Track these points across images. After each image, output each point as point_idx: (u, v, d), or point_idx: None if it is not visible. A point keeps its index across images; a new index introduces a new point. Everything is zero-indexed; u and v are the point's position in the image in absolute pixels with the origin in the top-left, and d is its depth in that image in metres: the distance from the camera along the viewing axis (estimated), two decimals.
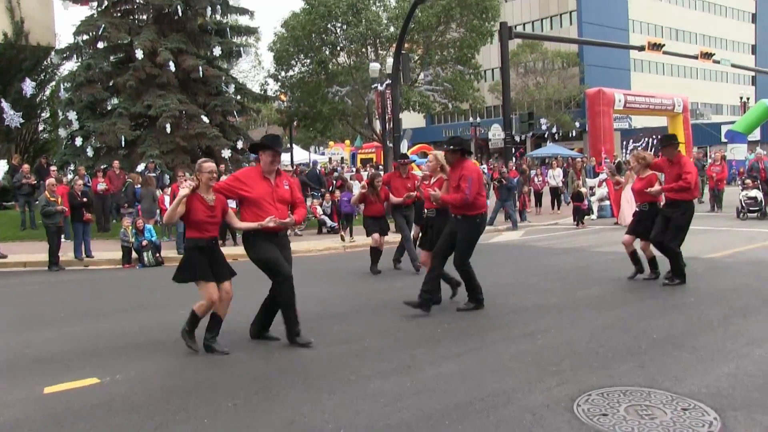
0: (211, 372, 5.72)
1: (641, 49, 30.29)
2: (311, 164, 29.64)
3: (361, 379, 5.39)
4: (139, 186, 17.53)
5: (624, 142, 44.37)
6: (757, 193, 17.91)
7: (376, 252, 11.47)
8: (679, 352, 5.83)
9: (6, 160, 21.54)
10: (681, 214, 9.03)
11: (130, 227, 14.19)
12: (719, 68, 54.02)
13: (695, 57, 32.49)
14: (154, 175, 18.56)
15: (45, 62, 28.91)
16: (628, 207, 17.57)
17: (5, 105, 22.71)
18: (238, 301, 9.19)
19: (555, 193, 22.97)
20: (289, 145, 39.37)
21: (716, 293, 8.46)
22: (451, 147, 7.82)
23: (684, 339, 6.27)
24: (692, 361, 5.59)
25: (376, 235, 11.34)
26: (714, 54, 33.24)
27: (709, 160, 22.73)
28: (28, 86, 24.50)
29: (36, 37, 27.19)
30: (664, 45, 30.22)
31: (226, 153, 22.01)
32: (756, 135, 35.58)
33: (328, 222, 18.76)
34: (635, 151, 10.54)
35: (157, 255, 14.20)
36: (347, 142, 45.90)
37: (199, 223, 6.29)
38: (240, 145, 23.90)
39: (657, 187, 9.28)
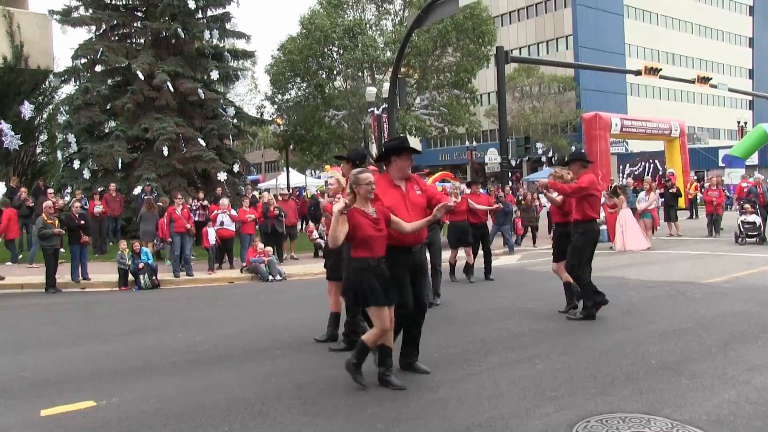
0: (207, 396, 5.69)
1: (638, 73, 30.56)
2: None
3: (358, 404, 5.36)
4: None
5: (620, 167, 44.50)
6: (755, 218, 17.91)
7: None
8: (678, 378, 5.80)
9: (4, 183, 21.51)
10: (580, 235, 8.77)
11: (127, 250, 14.18)
12: (716, 92, 54.36)
13: (692, 81, 32.71)
14: (152, 197, 18.56)
15: (43, 85, 28.98)
16: (621, 231, 17.65)
17: (5, 127, 22.75)
18: (229, 323, 9.19)
19: (550, 217, 22.98)
20: (285, 169, 39.50)
21: (715, 319, 8.43)
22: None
23: (683, 365, 6.25)
24: (692, 388, 5.55)
25: None
26: (711, 78, 33.48)
27: (706, 185, 22.83)
28: (27, 109, 24.55)
29: (35, 61, 27.30)
30: (660, 69, 30.49)
31: (222, 176, 22.04)
32: (754, 159, 35.72)
33: (324, 245, 18.71)
34: (554, 170, 10.05)
35: (154, 278, 14.18)
36: (343, 165, 45.95)
37: (368, 239, 5.61)
38: (236, 168, 23.94)
39: (556, 196, 9.19)
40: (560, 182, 9.09)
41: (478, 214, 12.86)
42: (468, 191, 13.98)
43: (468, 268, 12.77)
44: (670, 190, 22.31)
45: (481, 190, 14.41)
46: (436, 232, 10.02)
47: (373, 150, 33.43)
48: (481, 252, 13.13)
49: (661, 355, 6.57)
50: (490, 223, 17.30)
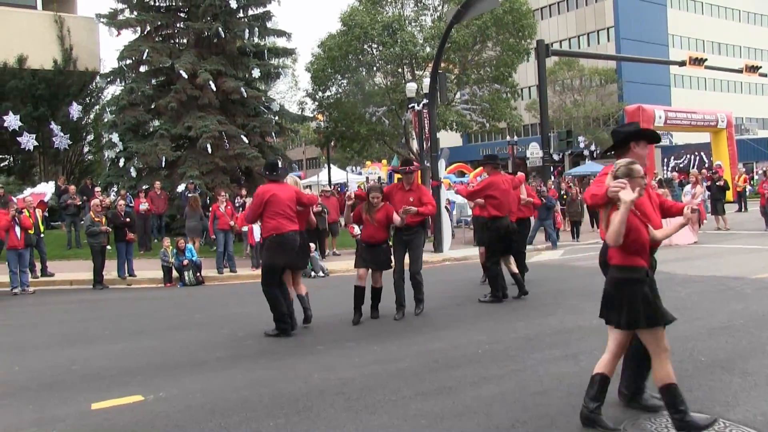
0: (251, 392, 5.75)
1: (682, 64, 29.96)
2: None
3: (401, 400, 5.37)
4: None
5: (665, 159, 43.72)
6: None
7: (359, 292, 8.84)
8: (729, 377, 5.65)
9: (54, 182, 22.06)
10: (489, 231, 9.99)
11: (171, 247, 14.41)
12: (766, 81, 52.97)
13: (740, 71, 31.87)
14: (196, 194, 18.84)
15: (90, 87, 29.67)
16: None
17: (55, 128, 23.33)
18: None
19: (592, 212, 22.70)
20: (326, 165, 39.70)
21: (767, 315, 8.22)
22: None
23: (734, 363, 6.08)
24: (744, 386, 5.40)
25: (361, 271, 8.81)
26: (760, 67, 32.55)
27: (757, 177, 22.17)
28: (75, 110, 25.15)
29: (83, 63, 27.98)
30: (706, 59, 29.82)
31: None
32: None
33: None
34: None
35: (198, 274, 14.39)
36: (384, 161, 46.01)
37: (643, 245, 4.58)
38: (279, 165, 24.09)
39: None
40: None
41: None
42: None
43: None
44: (717, 183, 21.80)
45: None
46: (418, 235, 9.29)
47: (414, 146, 33.39)
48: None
49: (711, 352, 6.42)
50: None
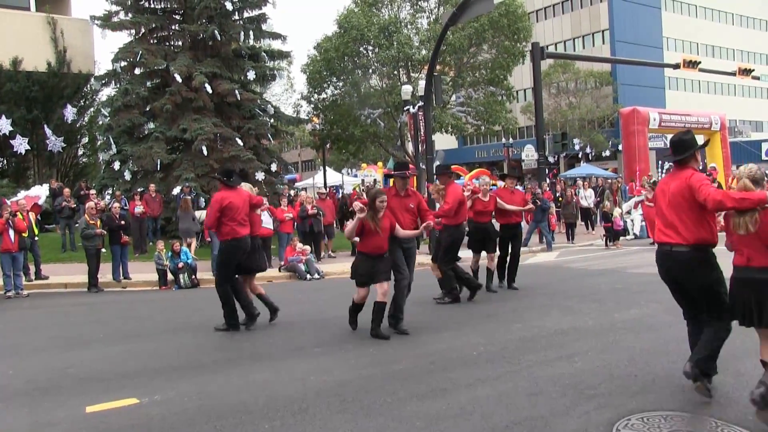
0: (247, 394, 5.76)
1: (676, 67, 30.01)
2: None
3: (397, 402, 5.38)
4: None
5: (659, 162, 43.71)
6: None
7: (357, 309, 8.38)
8: (723, 377, 5.65)
9: (48, 185, 22.01)
10: (447, 236, 10.28)
11: (165, 250, 14.39)
12: (759, 84, 53.09)
13: (733, 73, 31.95)
14: (190, 197, 18.82)
15: (85, 89, 29.62)
16: None
17: (48, 131, 23.30)
18: (268, 322, 9.25)
19: (587, 214, 22.76)
20: (321, 167, 39.69)
21: None
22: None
23: (727, 363, 6.07)
24: (737, 386, 5.44)
25: (363, 291, 8.12)
26: (753, 70, 32.60)
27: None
28: (69, 112, 25.11)
29: (77, 65, 27.93)
30: (700, 62, 29.89)
31: (260, 176, 22.23)
32: None
33: None
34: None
35: (193, 277, 14.37)
36: (380, 164, 46.01)
37: None
38: (274, 167, 24.10)
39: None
40: (437, 197, 10.64)
41: (510, 214, 11.43)
42: (500, 185, 12.94)
43: (489, 275, 11.33)
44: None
45: (518, 187, 12.56)
46: (415, 245, 9.47)
47: (409, 148, 33.43)
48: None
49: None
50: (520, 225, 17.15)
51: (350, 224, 8.15)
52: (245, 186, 9.32)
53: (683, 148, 5.45)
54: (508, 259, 11.53)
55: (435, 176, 11.40)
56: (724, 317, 5.11)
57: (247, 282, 9.09)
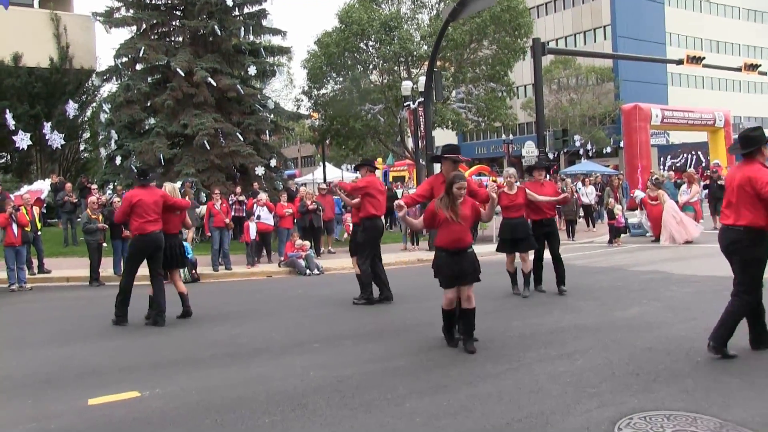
0: (247, 389, 5.75)
1: (680, 62, 29.83)
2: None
3: (397, 398, 5.37)
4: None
5: (661, 158, 43.78)
6: None
7: (450, 316, 7.12)
8: (728, 377, 5.63)
9: (49, 180, 22.04)
10: (362, 232, 10.31)
11: None
12: (764, 80, 52.91)
13: (738, 69, 31.69)
14: (192, 191, 18.82)
15: (86, 84, 29.67)
16: (676, 223, 17.24)
17: (46, 128, 23.33)
18: (268, 317, 9.27)
19: (588, 211, 22.73)
20: (321, 163, 39.65)
21: None
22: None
23: (732, 362, 6.05)
24: (742, 386, 5.38)
25: (451, 294, 6.88)
26: (760, 65, 32.31)
27: None
28: (71, 108, 25.11)
29: (79, 61, 28.00)
30: (704, 58, 29.69)
31: (260, 171, 22.23)
32: None
33: None
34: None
35: (193, 272, 14.36)
36: (380, 160, 46.08)
37: None
38: (273, 163, 24.10)
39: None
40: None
41: (542, 208, 10.41)
42: (526, 180, 11.54)
43: (525, 279, 10.40)
44: (717, 182, 21.71)
45: (546, 177, 11.15)
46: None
47: (409, 144, 33.40)
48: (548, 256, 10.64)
49: (708, 353, 6.40)
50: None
51: (418, 219, 7.17)
52: (168, 186, 9.86)
53: (750, 143, 6.15)
54: (552, 259, 10.45)
55: (356, 168, 11.48)
56: (750, 294, 6.12)
57: (172, 277, 9.61)
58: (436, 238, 6.96)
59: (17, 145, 23.06)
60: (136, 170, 10.26)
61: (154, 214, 9.14)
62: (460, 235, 6.74)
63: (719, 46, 65.44)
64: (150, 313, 9.38)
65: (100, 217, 14.23)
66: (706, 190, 21.98)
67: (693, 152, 41.54)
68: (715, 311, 8.37)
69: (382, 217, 10.81)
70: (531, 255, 10.48)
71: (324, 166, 40.49)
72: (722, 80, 64.96)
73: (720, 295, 9.58)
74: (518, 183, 10.93)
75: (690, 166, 35.73)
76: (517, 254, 10.41)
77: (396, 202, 7.10)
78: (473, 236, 7.43)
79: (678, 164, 41.32)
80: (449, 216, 6.65)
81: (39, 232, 14.76)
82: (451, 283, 6.78)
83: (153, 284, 9.30)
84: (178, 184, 19.97)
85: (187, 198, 15.82)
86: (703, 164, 35.52)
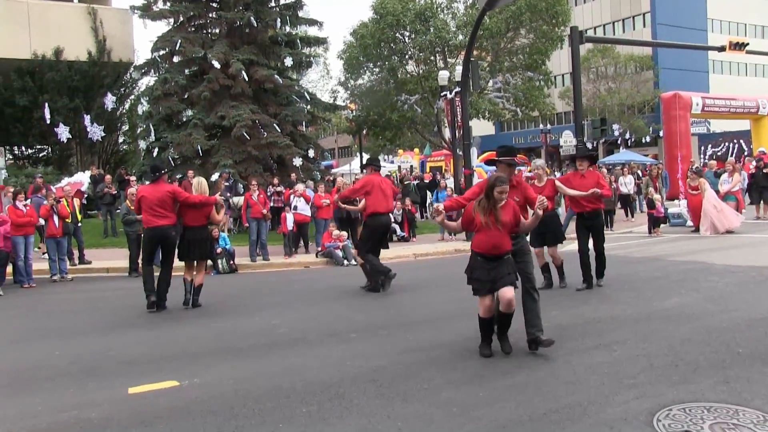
0: (284, 378, 5.81)
1: (722, 49, 29.13)
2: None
3: (434, 388, 5.37)
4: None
5: (702, 147, 42.88)
6: None
7: (487, 325, 6.48)
8: None
9: (89, 171, 22.45)
10: (365, 227, 10.71)
11: None
12: None
13: None
14: (227, 184, 19.00)
15: (125, 77, 30.09)
16: (717, 212, 16.91)
17: (87, 121, 23.75)
18: (305, 307, 9.34)
19: (626, 201, 22.42)
20: (358, 154, 39.71)
21: None
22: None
23: None
24: None
25: (487, 301, 6.30)
26: None
27: None
28: (109, 101, 25.53)
29: (117, 54, 28.41)
30: (747, 44, 28.97)
31: (298, 162, 22.35)
32: None
33: (398, 230, 18.81)
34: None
35: (231, 262, 14.51)
36: (416, 150, 45.94)
37: None
38: (311, 153, 24.21)
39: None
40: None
41: (580, 201, 9.92)
42: (569, 170, 11.37)
43: (559, 272, 10.28)
44: (764, 170, 21.17)
45: (590, 168, 10.25)
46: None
47: (446, 134, 33.26)
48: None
49: (749, 344, 6.29)
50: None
51: (456, 222, 6.63)
52: (194, 181, 10.39)
53: None
54: (595, 253, 10.04)
55: (363, 167, 11.66)
56: None
57: (189, 269, 9.91)
58: (473, 242, 6.42)
59: (59, 138, 23.54)
60: (148, 166, 10.95)
61: (160, 209, 9.50)
62: (499, 241, 6.21)
63: (764, 31, 63.79)
64: (186, 299, 9.84)
65: None
66: (749, 180, 21.49)
67: (735, 141, 40.60)
68: (756, 302, 8.26)
69: (389, 214, 11.24)
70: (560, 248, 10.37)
71: (361, 157, 40.53)
72: (766, 66, 63.32)
73: (762, 286, 9.42)
74: (550, 174, 10.62)
75: (731, 155, 34.98)
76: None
77: (435, 206, 6.86)
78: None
79: (719, 153, 40.48)
80: (485, 222, 6.18)
81: (79, 224, 15.05)
82: (488, 290, 6.24)
83: (160, 271, 9.87)
84: (216, 175, 20.30)
85: (218, 192, 16.03)
86: (746, 153, 34.70)
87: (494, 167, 7.55)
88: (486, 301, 6.27)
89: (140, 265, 10.26)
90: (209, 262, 14.46)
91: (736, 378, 5.31)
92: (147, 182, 10.12)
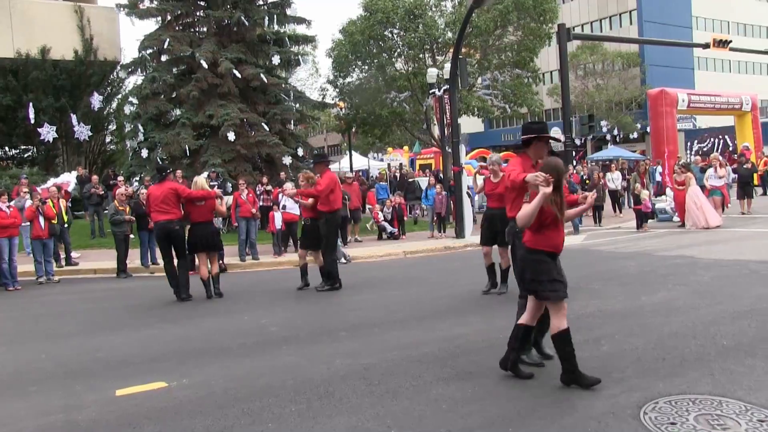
0: (275, 377, 5.81)
1: (706, 46, 29.34)
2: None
3: (423, 385, 5.39)
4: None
5: (688, 143, 43.22)
6: None
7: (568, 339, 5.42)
8: (753, 361, 5.62)
9: (75, 172, 22.33)
10: (324, 224, 10.51)
11: None
12: None
13: (766, 52, 31.23)
14: (213, 183, 18.94)
15: (111, 76, 29.94)
16: (696, 208, 17.06)
17: (74, 120, 23.59)
18: (295, 306, 9.33)
19: (615, 196, 22.55)
20: (347, 152, 39.69)
21: None
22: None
23: (757, 346, 6.03)
24: (767, 370, 5.38)
25: (564, 306, 5.27)
26: None
27: None
28: (96, 100, 25.37)
29: (103, 53, 28.26)
30: (731, 41, 29.20)
31: (287, 160, 22.32)
32: None
33: (389, 228, 18.82)
34: (300, 174, 11.78)
35: (221, 262, 14.45)
36: (406, 148, 45.92)
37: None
38: (300, 152, 24.19)
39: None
40: (306, 185, 10.77)
41: None
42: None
43: (502, 274, 9.57)
44: (745, 166, 21.39)
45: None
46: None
47: (435, 131, 33.29)
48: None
49: (734, 337, 6.37)
50: None
51: (527, 207, 5.15)
52: (196, 179, 11.04)
53: None
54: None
55: (313, 164, 11.51)
56: None
57: (202, 265, 10.57)
58: (538, 239, 5.29)
59: (43, 138, 23.33)
60: (155, 168, 12.01)
61: (164, 206, 10.31)
62: (562, 237, 5.46)
63: (747, 29, 64.22)
64: (208, 293, 10.52)
65: (127, 208, 14.37)
66: (735, 174, 21.67)
67: (720, 136, 40.97)
68: (741, 295, 8.34)
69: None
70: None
71: (350, 155, 40.50)
72: (750, 64, 63.79)
73: (746, 279, 9.50)
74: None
75: (717, 151, 35.24)
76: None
77: (536, 175, 5.15)
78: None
79: (705, 149, 40.79)
80: (556, 212, 5.22)
81: (66, 225, 14.95)
82: (564, 293, 5.30)
83: (177, 264, 10.59)
84: (205, 174, 20.25)
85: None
86: (730, 148, 34.99)
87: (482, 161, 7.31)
88: (566, 306, 5.33)
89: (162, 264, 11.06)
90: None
91: (721, 370, 5.39)
92: (155, 182, 11.25)
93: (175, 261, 10.66)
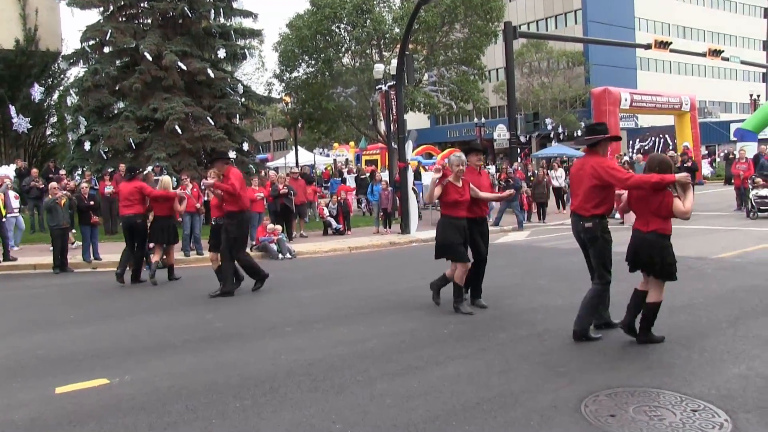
0: (218, 373, 5.75)
1: (648, 47, 30.13)
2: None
3: (368, 380, 5.41)
4: None
5: (630, 142, 44.29)
6: (767, 192, 17.61)
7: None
8: (688, 353, 5.82)
9: (15, 165, 21.65)
10: (235, 225, 9.95)
11: None
12: (728, 65, 53.47)
13: (703, 54, 32.13)
14: (157, 178, 18.59)
15: (53, 68, 29.13)
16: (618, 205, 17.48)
17: (13, 111, 22.88)
18: (239, 302, 9.25)
19: (558, 193, 22.97)
20: (293, 147, 39.43)
21: (725, 294, 8.43)
22: None
23: (693, 340, 6.26)
24: (701, 363, 5.57)
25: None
26: (723, 51, 32.69)
27: (719, 160, 22.46)
28: (36, 91, 24.68)
29: (44, 43, 27.46)
30: (671, 43, 30.03)
31: (231, 155, 22.06)
32: (766, 133, 35.06)
33: (334, 224, 18.80)
34: (210, 172, 11.56)
35: (164, 257, 14.21)
36: (352, 143, 45.92)
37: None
38: (245, 147, 23.92)
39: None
40: (218, 181, 10.00)
41: (482, 205, 8.41)
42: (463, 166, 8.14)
43: (456, 289, 8.06)
44: (686, 164, 21.99)
45: (488, 167, 9.32)
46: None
47: (381, 127, 33.34)
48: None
49: (671, 331, 6.57)
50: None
51: (690, 197, 6.34)
52: (162, 179, 12.45)
53: None
54: (475, 263, 8.24)
55: (212, 162, 10.87)
56: None
57: (157, 251, 11.91)
58: (668, 225, 6.52)
59: None
60: (126, 168, 13.94)
61: (127, 201, 11.65)
62: None
63: (686, 31, 66.09)
64: (151, 273, 11.51)
65: (63, 201, 13.90)
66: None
67: (660, 135, 42.08)
68: (677, 290, 8.57)
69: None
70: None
71: (296, 150, 40.29)
72: (689, 65, 65.64)
73: (683, 275, 9.75)
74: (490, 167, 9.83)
75: (658, 149, 36.19)
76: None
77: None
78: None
79: (646, 147, 41.86)
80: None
81: (4, 219, 14.48)
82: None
83: (135, 252, 11.81)
84: (149, 168, 19.88)
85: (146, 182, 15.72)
86: (670, 147, 35.97)
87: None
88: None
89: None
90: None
91: (658, 363, 5.58)
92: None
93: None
